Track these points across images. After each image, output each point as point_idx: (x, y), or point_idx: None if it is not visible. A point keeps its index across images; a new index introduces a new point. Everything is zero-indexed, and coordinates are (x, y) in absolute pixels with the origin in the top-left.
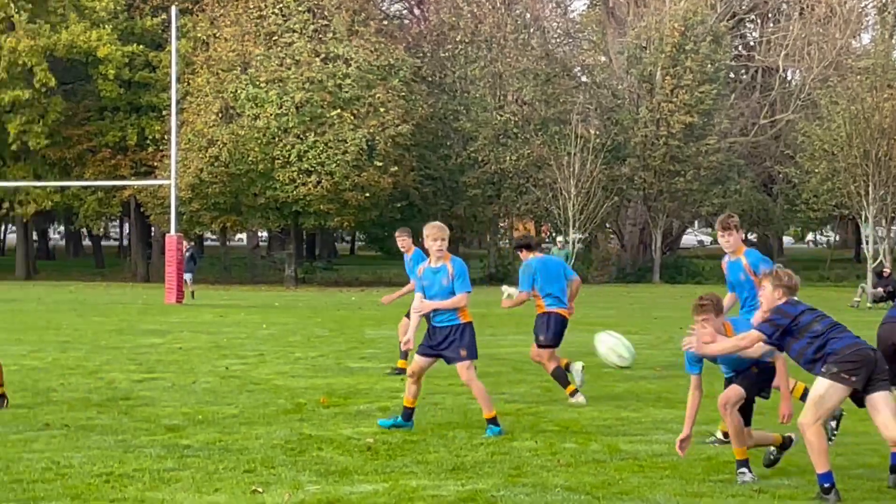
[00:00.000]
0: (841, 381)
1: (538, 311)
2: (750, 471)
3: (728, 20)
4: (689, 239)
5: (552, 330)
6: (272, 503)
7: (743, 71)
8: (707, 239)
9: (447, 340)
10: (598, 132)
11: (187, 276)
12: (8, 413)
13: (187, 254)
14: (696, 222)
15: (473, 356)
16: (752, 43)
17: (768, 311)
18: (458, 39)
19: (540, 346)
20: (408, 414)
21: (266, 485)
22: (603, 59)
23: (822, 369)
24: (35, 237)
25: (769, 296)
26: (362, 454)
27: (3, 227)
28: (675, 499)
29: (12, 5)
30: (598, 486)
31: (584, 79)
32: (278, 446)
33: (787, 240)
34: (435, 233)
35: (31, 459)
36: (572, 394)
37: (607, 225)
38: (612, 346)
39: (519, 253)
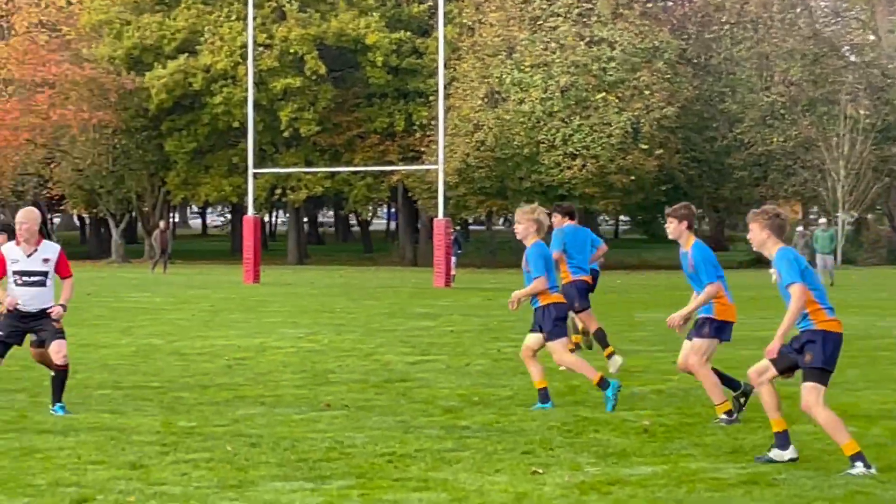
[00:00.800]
0: None
1: (564, 281)
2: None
3: None
4: None
5: (582, 295)
6: (553, 484)
7: None
8: None
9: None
10: (867, 112)
11: (451, 259)
12: (290, 394)
13: (451, 237)
14: None
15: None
16: None
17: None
18: (723, 20)
19: (577, 311)
20: (543, 395)
21: (545, 466)
22: (872, 37)
23: None
24: (306, 222)
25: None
26: (639, 436)
27: (275, 213)
28: None
29: None
30: (881, 471)
31: (852, 58)
32: (555, 428)
33: None
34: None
35: (316, 439)
36: (610, 355)
37: (877, 207)
38: None
39: (554, 217)
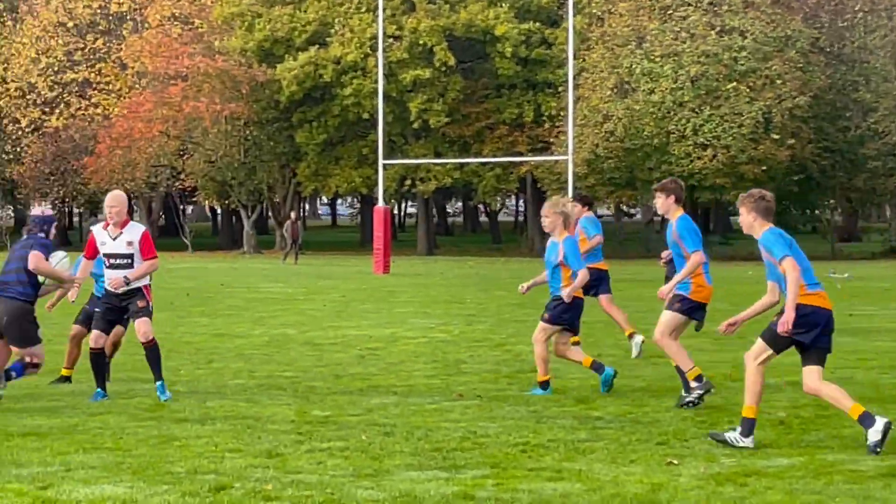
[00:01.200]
0: None
1: None
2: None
3: None
4: None
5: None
6: (688, 475)
7: None
8: None
9: None
10: None
11: None
12: (422, 384)
13: None
14: None
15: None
16: None
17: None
18: (857, 9)
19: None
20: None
21: (680, 457)
22: None
23: None
24: (434, 213)
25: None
26: (775, 428)
27: (404, 204)
28: None
29: None
30: None
31: None
32: (689, 419)
33: None
34: None
35: (449, 428)
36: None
37: None
38: None
39: (574, 207)
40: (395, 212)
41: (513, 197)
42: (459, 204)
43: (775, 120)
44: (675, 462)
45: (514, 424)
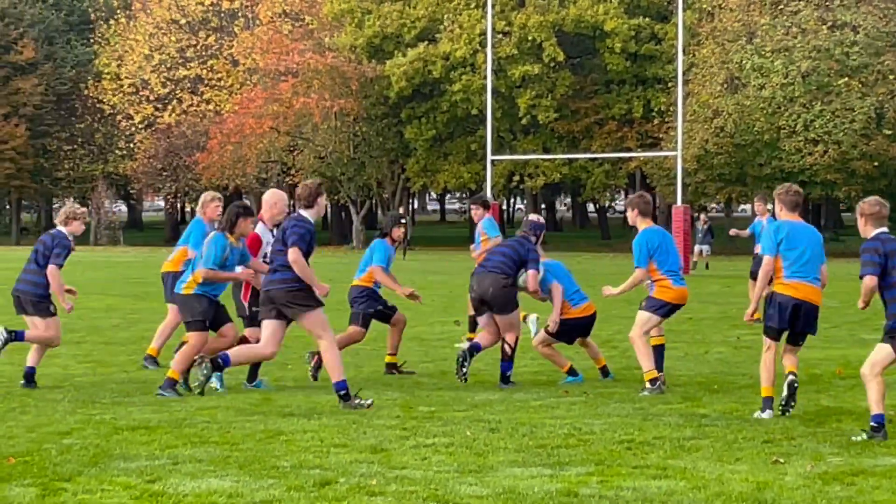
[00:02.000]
0: None
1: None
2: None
3: None
4: None
5: None
6: (794, 474)
7: None
8: None
9: None
10: None
11: (705, 248)
12: (528, 380)
13: (705, 226)
14: None
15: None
16: None
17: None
18: None
19: None
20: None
21: (787, 455)
22: None
23: None
24: (543, 209)
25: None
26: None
27: (513, 200)
28: None
29: None
30: None
31: None
32: (796, 417)
33: None
34: None
35: (554, 425)
36: None
37: None
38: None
39: (475, 210)
40: (504, 207)
41: (622, 193)
42: (568, 200)
43: (887, 116)
44: (782, 461)
45: (620, 421)
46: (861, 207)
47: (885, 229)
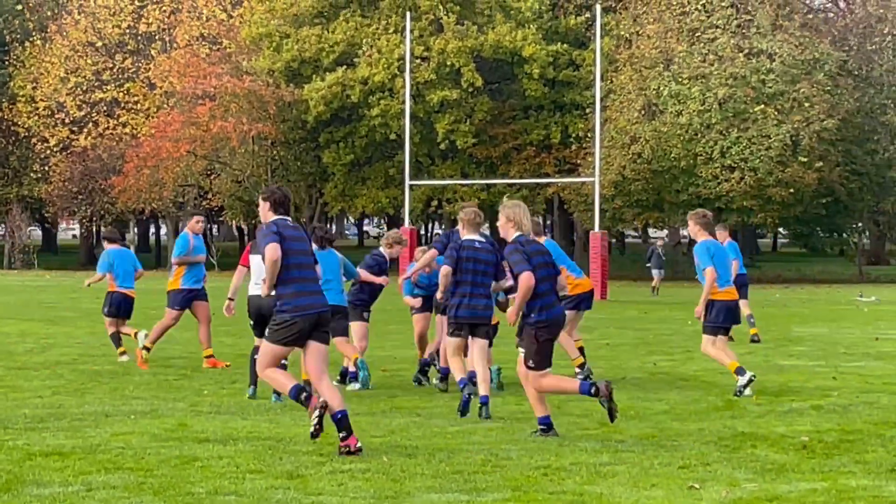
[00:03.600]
0: None
1: None
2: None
3: None
4: None
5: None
6: (710, 500)
7: None
8: None
9: None
10: None
11: (655, 272)
12: (444, 406)
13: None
14: None
15: None
16: None
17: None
18: (885, 32)
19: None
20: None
21: (702, 481)
22: None
23: None
24: None
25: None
26: (798, 452)
27: (431, 224)
28: None
29: (441, 7)
30: None
31: None
32: (711, 443)
33: None
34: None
35: (471, 451)
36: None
37: None
38: None
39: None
40: (422, 232)
41: (539, 218)
42: (486, 225)
43: (803, 143)
44: (697, 486)
45: (537, 447)
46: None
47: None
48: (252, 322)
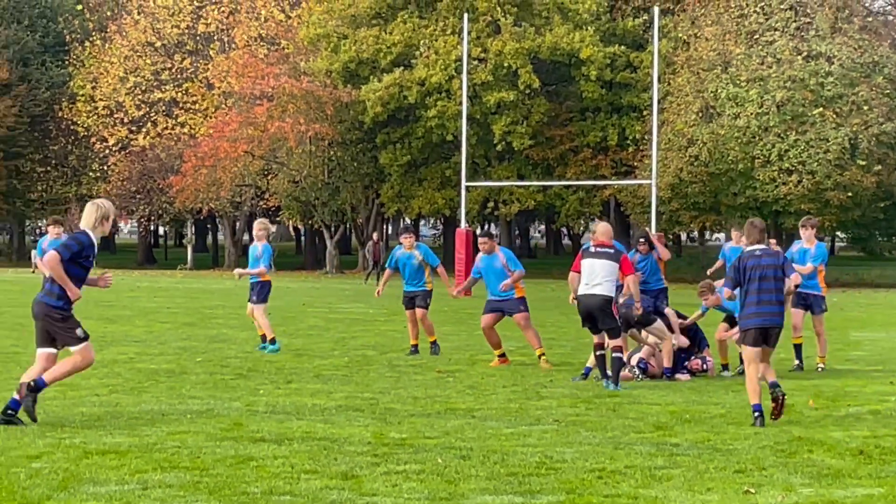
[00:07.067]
0: None
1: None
2: None
3: None
4: None
5: None
6: None
7: None
8: None
9: None
10: None
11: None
12: (500, 407)
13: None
14: None
15: None
16: None
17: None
18: None
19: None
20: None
21: (758, 486)
22: None
23: None
24: (517, 235)
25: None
26: (854, 458)
27: (487, 226)
28: None
29: (499, 9)
30: None
31: None
32: (767, 447)
33: None
34: None
35: (525, 453)
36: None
37: None
38: None
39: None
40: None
41: (596, 220)
42: (542, 227)
43: (861, 146)
44: (753, 491)
45: (591, 450)
46: None
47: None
48: (582, 320)
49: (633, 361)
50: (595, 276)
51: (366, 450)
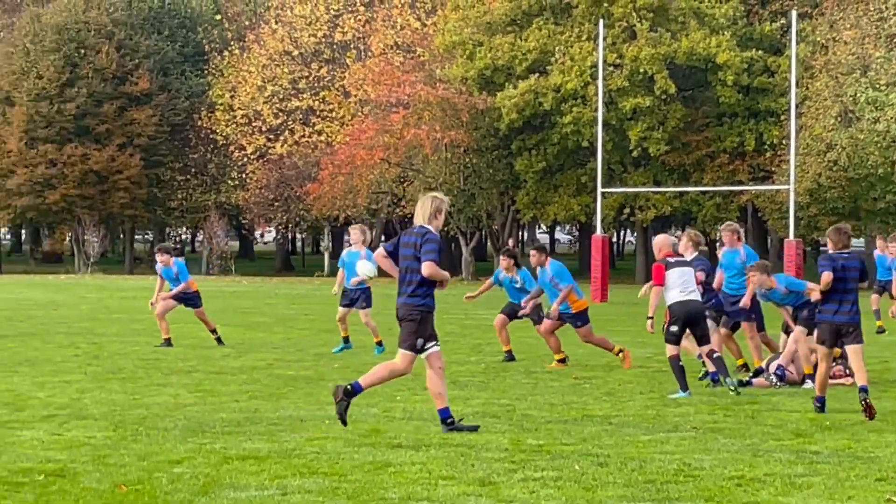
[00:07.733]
0: None
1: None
2: None
3: None
4: None
5: None
6: None
7: None
8: None
9: None
10: None
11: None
12: (638, 414)
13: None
14: None
15: None
16: None
17: None
18: None
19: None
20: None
21: None
22: None
23: None
24: None
25: None
26: None
27: (622, 233)
28: None
29: (634, 14)
30: None
31: None
32: None
33: None
34: None
35: (663, 460)
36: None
37: None
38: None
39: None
40: (614, 240)
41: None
42: (679, 232)
43: None
44: (895, 499)
45: (730, 457)
46: None
47: None
48: (678, 327)
49: (772, 368)
50: (689, 283)
51: (503, 456)
